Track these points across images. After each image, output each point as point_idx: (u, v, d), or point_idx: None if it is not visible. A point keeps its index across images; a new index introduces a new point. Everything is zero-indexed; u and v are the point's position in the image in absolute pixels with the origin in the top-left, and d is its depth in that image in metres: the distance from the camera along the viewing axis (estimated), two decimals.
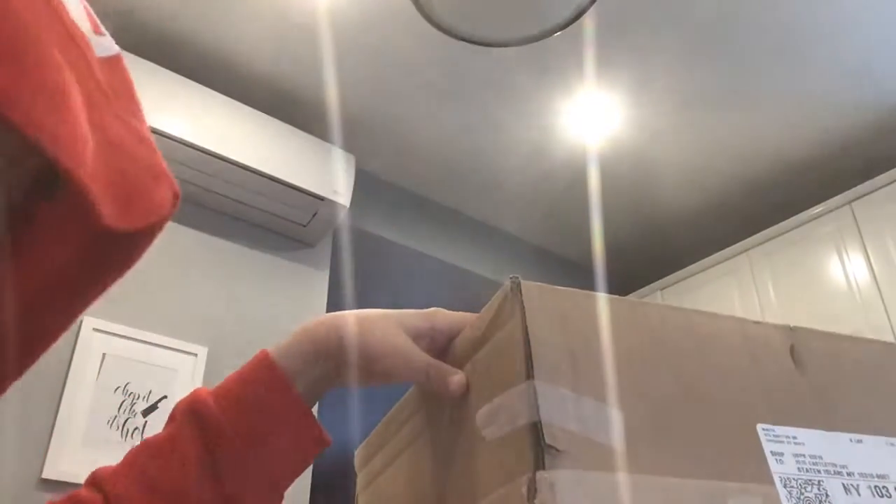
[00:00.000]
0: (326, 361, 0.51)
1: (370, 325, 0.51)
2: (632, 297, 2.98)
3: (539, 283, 0.43)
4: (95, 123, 0.30)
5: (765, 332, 0.48)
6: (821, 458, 0.42)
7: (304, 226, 2.46)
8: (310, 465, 0.52)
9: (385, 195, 2.87)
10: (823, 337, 0.49)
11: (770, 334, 0.48)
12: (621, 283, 3.34)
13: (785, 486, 0.40)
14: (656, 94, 2.46)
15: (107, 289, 0.34)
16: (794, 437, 0.43)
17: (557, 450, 0.36)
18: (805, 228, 2.67)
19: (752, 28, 2.21)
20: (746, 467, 0.40)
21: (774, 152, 2.73)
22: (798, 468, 0.41)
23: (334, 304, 2.64)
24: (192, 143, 2.11)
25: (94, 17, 0.34)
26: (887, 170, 2.50)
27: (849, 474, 0.42)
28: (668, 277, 3.11)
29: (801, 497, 0.40)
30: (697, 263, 2.99)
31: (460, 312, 0.53)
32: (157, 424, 1.97)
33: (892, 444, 0.45)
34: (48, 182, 0.32)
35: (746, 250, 2.82)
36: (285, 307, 2.40)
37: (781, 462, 0.41)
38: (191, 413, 0.49)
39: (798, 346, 0.47)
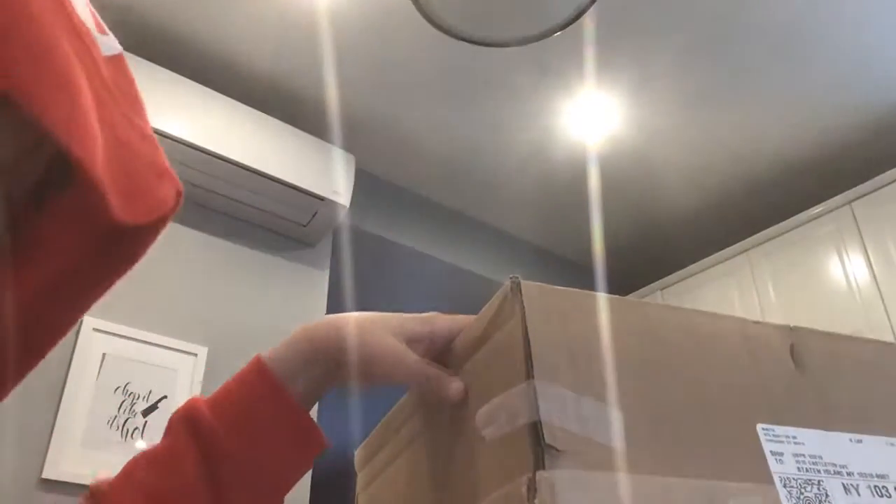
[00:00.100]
0: (325, 361, 0.51)
1: (368, 328, 0.51)
2: (632, 297, 2.98)
3: (539, 283, 0.43)
4: (103, 120, 0.30)
5: (765, 332, 0.48)
6: (820, 457, 0.42)
7: (304, 226, 2.46)
8: (310, 468, 0.52)
9: (385, 195, 2.87)
10: (823, 337, 0.49)
11: (770, 334, 0.48)
12: (621, 283, 3.34)
13: (785, 486, 0.40)
14: (656, 94, 2.46)
15: (111, 286, 0.34)
16: (794, 437, 0.43)
17: (557, 450, 0.36)
18: (805, 228, 2.67)
19: (752, 28, 2.21)
20: (746, 467, 0.40)
21: (774, 152, 2.73)
22: (798, 468, 0.41)
23: (334, 304, 2.64)
24: (192, 143, 2.11)
25: (98, 16, 0.35)
26: (887, 170, 2.50)
27: (849, 474, 0.42)
28: (668, 277, 3.11)
29: (801, 497, 0.40)
30: (697, 263, 2.99)
31: (458, 315, 0.53)
32: (157, 424, 1.97)
33: (892, 444, 0.45)
34: (52, 181, 0.32)
35: (746, 250, 2.82)
36: (285, 307, 2.40)
37: (781, 462, 0.41)
38: (187, 423, 0.49)
39: (798, 346, 0.47)
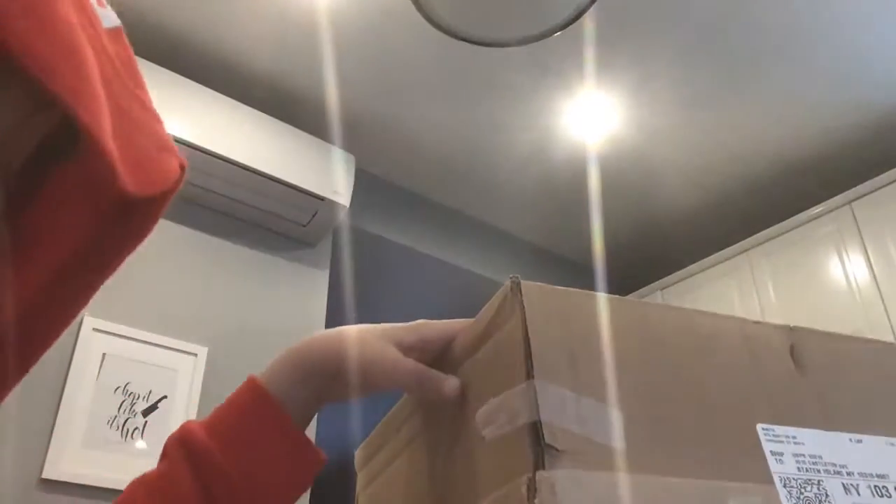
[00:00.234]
0: (321, 378, 0.51)
1: (358, 340, 0.51)
2: (632, 297, 2.98)
3: (539, 283, 0.43)
4: (108, 89, 0.30)
5: (765, 332, 0.48)
6: (820, 457, 0.43)
7: (304, 226, 2.46)
8: (309, 487, 0.51)
9: (385, 195, 2.87)
10: (823, 337, 0.49)
11: (770, 334, 0.48)
12: (621, 283, 3.34)
13: (785, 486, 0.40)
14: (656, 94, 2.46)
15: (119, 264, 0.33)
16: (794, 437, 0.43)
17: (557, 450, 0.36)
18: (805, 228, 2.67)
19: (752, 28, 2.21)
20: (746, 467, 0.40)
21: (774, 152, 2.73)
22: (798, 468, 0.41)
23: (334, 304, 2.64)
24: (191, 143, 2.11)
25: None
26: (887, 170, 2.50)
27: (849, 474, 0.42)
28: (668, 277, 3.11)
29: (801, 497, 0.40)
30: (697, 263, 2.99)
31: (446, 320, 0.53)
32: (157, 424, 1.97)
33: (892, 444, 0.45)
34: (51, 157, 0.31)
35: (746, 250, 2.82)
36: (285, 307, 2.40)
37: (781, 462, 0.41)
38: (183, 448, 0.48)
39: (798, 346, 0.47)
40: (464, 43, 1.62)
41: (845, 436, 0.44)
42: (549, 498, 0.34)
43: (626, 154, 2.73)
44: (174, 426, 1.97)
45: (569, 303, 0.43)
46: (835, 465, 0.43)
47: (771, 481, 0.40)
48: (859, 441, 0.44)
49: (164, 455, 0.49)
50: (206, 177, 2.22)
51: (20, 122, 0.29)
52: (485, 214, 3.12)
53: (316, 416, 0.53)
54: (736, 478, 0.39)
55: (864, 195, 2.53)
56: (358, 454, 0.65)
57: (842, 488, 0.42)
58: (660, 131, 2.63)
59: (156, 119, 0.34)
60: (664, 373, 0.42)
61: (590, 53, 2.27)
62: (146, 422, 1.96)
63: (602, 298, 0.44)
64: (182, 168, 0.34)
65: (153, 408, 1.99)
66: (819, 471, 0.42)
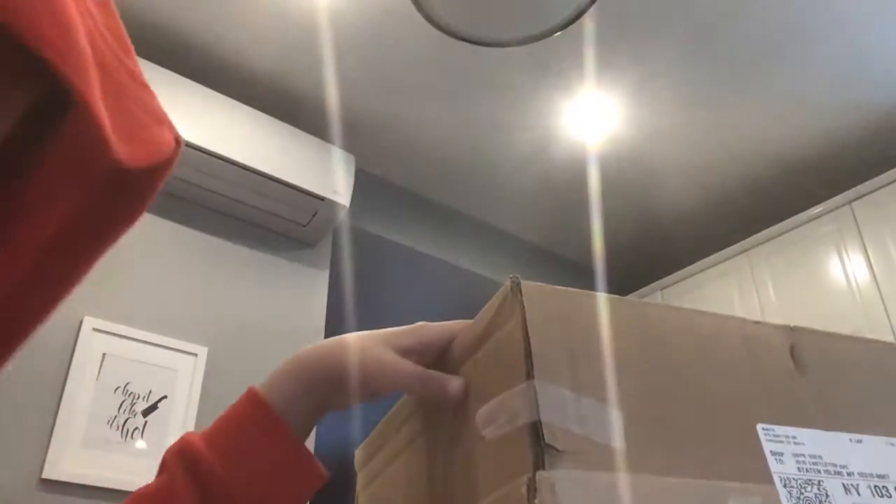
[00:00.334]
0: (325, 387, 0.50)
1: (358, 348, 0.50)
2: (632, 297, 2.98)
3: (539, 283, 0.43)
4: (97, 57, 0.29)
5: (765, 332, 0.48)
6: (821, 457, 0.42)
7: (304, 226, 2.46)
8: (309, 500, 0.51)
9: (385, 195, 2.87)
10: (823, 337, 0.49)
11: (770, 334, 0.48)
12: (621, 283, 3.34)
13: (785, 486, 0.40)
14: (656, 94, 2.46)
15: (115, 240, 0.32)
16: (794, 437, 0.43)
17: (557, 450, 0.36)
18: (805, 228, 2.67)
19: (752, 28, 2.21)
20: (746, 467, 0.40)
21: (774, 152, 2.73)
22: (798, 468, 0.41)
23: (334, 304, 2.64)
24: (191, 143, 2.11)
25: None
26: (887, 170, 2.50)
27: (849, 474, 0.42)
28: (668, 277, 3.11)
29: (801, 497, 0.40)
30: (697, 263, 2.99)
31: (444, 322, 0.52)
32: (157, 424, 1.97)
33: (892, 444, 0.45)
34: (39, 130, 0.30)
35: (746, 250, 2.82)
36: (285, 307, 2.40)
37: (781, 462, 0.41)
38: (183, 461, 0.47)
39: (798, 346, 0.47)
40: (464, 43, 1.62)
41: (845, 436, 0.44)
42: (549, 498, 0.34)
43: (626, 154, 2.73)
44: (174, 426, 1.98)
45: (569, 303, 0.43)
46: (835, 465, 0.43)
47: (771, 481, 0.40)
48: (859, 441, 0.44)
49: (164, 467, 0.49)
50: (206, 177, 2.22)
51: (11, 82, 0.28)
52: (485, 214, 3.12)
53: (313, 453, 0.52)
54: (736, 478, 0.39)
55: (864, 195, 2.53)
56: (358, 454, 0.65)
57: (842, 488, 0.42)
58: (660, 131, 2.63)
59: (148, 91, 0.33)
60: (664, 373, 0.42)
61: (590, 53, 2.27)
62: (146, 422, 1.96)
63: (602, 298, 0.44)
64: (177, 142, 0.33)
65: (153, 408, 1.99)
66: (819, 471, 0.42)
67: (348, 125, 2.59)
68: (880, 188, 2.50)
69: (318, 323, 2.44)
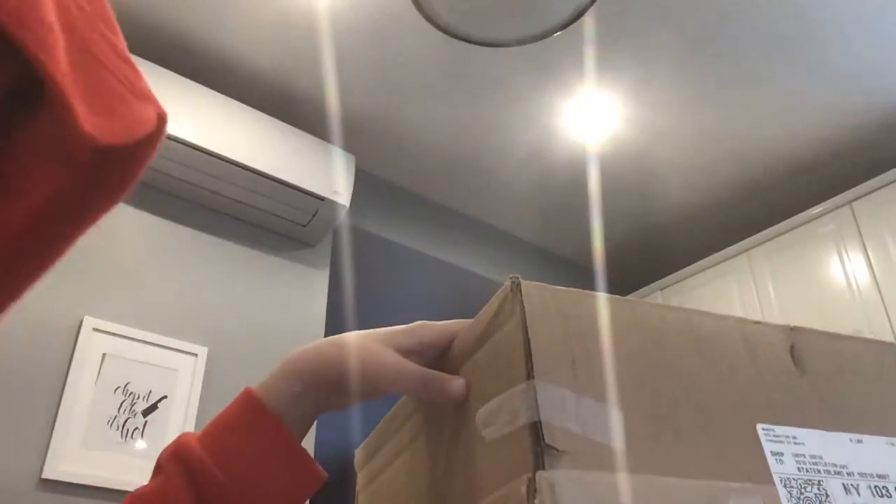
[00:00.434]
0: (324, 387, 0.50)
1: (358, 348, 0.50)
2: (632, 297, 2.98)
3: (539, 283, 0.43)
4: (67, 26, 0.28)
5: (765, 332, 0.48)
6: (821, 458, 0.42)
7: (304, 226, 2.46)
8: (307, 501, 0.50)
9: (385, 195, 2.87)
10: (823, 337, 0.49)
11: (770, 334, 0.48)
12: (621, 283, 3.34)
13: (785, 486, 0.40)
14: (656, 93, 2.46)
15: (97, 219, 0.31)
16: (794, 437, 0.43)
17: (557, 450, 0.36)
18: (805, 228, 2.67)
19: (752, 28, 2.21)
20: (746, 467, 0.40)
21: (774, 152, 2.73)
22: (798, 468, 0.41)
23: (334, 304, 2.64)
24: (191, 144, 2.11)
25: None
26: (887, 170, 2.50)
27: (849, 474, 0.42)
28: (668, 277, 3.11)
29: (801, 497, 0.40)
30: (697, 263, 2.99)
31: (445, 322, 0.52)
32: (157, 424, 1.97)
33: (892, 444, 0.45)
34: (16, 111, 0.29)
35: (746, 250, 2.82)
36: (285, 307, 2.40)
37: (781, 462, 0.41)
38: (179, 462, 0.47)
39: (798, 346, 0.47)
40: (464, 43, 1.62)
41: (845, 436, 0.44)
42: (548, 498, 0.34)
43: (626, 154, 2.73)
44: (174, 426, 1.98)
45: (569, 303, 0.43)
46: (835, 465, 0.43)
47: (771, 481, 0.40)
48: (859, 441, 0.44)
49: (159, 469, 0.48)
50: (207, 177, 2.22)
51: None
52: (485, 214, 3.12)
53: (316, 420, 0.52)
54: (736, 478, 0.39)
55: (864, 195, 2.53)
56: (358, 454, 0.65)
57: (842, 488, 0.42)
58: (660, 131, 2.63)
59: (131, 67, 0.32)
60: (664, 373, 0.42)
61: (590, 53, 2.27)
62: (146, 422, 1.96)
63: (602, 298, 0.44)
64: (161, 118, 0.31)
65: (153, 408, 1.99)
66: (819, 471, 0.42)
67: (348, 125, 2.59)
68: (880, 188, 2.50)
69: (318, 323, 2.44)
